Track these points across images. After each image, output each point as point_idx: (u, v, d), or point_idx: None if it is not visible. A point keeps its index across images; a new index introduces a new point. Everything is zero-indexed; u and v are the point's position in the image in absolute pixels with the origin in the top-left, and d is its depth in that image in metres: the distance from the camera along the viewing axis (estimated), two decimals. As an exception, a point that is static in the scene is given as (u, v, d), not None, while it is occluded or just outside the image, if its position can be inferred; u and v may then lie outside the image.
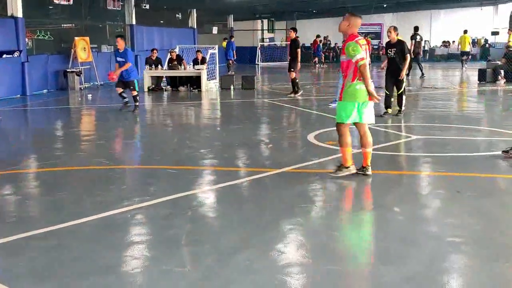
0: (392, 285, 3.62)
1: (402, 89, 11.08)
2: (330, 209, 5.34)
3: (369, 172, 6.27)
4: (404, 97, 11.27)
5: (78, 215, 5.09)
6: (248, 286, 3.64)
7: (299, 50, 15.19)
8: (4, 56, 16.21)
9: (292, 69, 15.11)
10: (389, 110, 11.09)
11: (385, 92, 11.07)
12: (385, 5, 34.53)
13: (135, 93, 12.52)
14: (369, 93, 6.03)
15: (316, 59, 32.44)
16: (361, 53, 5.98)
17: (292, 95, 15.23)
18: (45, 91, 18.06)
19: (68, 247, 4.37)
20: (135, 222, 5.02)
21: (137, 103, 12.59)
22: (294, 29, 15.92)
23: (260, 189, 6.09)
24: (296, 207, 5.32)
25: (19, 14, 16.93)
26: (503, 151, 7.29)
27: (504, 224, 4.95)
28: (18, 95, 16.70)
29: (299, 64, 15.08)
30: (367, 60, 6.19)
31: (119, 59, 12.44)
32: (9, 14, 16.85)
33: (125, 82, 12.52)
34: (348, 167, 6.21)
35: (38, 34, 19.74)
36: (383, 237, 4.59)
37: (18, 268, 3.98)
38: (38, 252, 4.28)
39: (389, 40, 11.21)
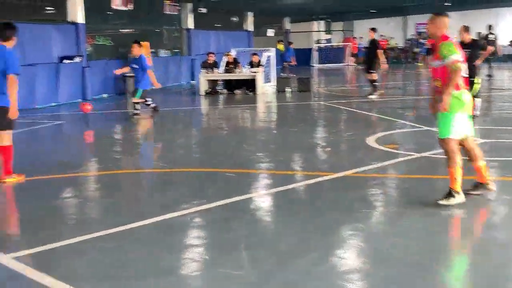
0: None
1: (477, 91, 10.38)
2: (391, 215, 5.25)
3: (492, 187, 5.54)
4: (478, 99, 10.35)
5: (138, 218, 5.21)
6: (308, 291, 3.63)
7: (379, 51, 15.12)
8: (65, 61, 16.81)
9: (373, 71, 15.15)
10: None
11: None
12: (448, 4, 33.68)
13: (135, 100, 12.57)
14: (444, 101, 5.15)
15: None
16: (458, 54, 5.19)
17: (372, 96, 15.21)
18: (104, 95, 18.61)
19: (128, 249, 4.48)
20: (193, 225, 5.10)
21: (137, 111, 12.63)
22: (374, 29, 15.84)
23: (318, 193, 6.06)
24: (356, 212, 5.26)
25: (80, 20, 17.55)
26: None
27: None
28: (79, 100, 17.27)
29: (382, 64, 15.12)
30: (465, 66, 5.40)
31: (133, 65, 12.58)
32: (70, 20, 17.51)
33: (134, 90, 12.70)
34: (459, 192, 5.28)
35: (98, 39, 20.41)
36: (448, 244, 4.47)
37: (81, 269, 4.12)
38: (99, 254, 4.41)
39: (461, 40, 10.15)
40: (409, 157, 7.57)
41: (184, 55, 24.73)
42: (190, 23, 24.88)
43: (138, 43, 12.86)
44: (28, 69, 15.35)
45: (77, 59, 17.20)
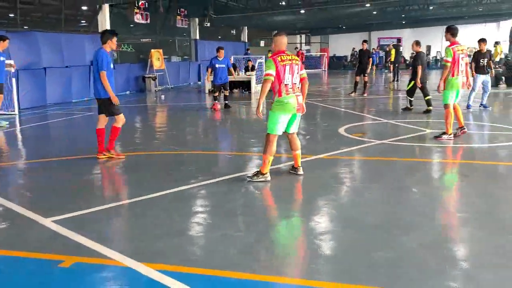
0: (409, 250, 3.56)
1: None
2: (357, 189, 5.27)
3: (301, 172, 5.70)
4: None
5: (156, 190, 5.20)
6: (291, 249, 3.65)
7: (370, 58, 15.61)
8: (96, 64, 16.67)
9: (366, 74, 15.33)
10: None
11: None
12: (403, 22, 33.70)
13: (227, 92, 12.88)
14: (257, 106, 5.32)
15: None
16: (271, 70, 5.22)
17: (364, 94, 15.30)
18: (127, 92, 18.52)
19: (149, 215, 4.47)
20: (200, 196, 5.09)
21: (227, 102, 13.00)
22: (366, 41, 16.22)
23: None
24: (329, 187, 5.28)
25: (108, 31, 17.37)
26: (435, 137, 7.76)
27: (505, 203, 4.77)
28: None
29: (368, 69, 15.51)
30: (289, 76, 5.28)
31: (219, 65, 12.48)
32: (99, 31, 17.31)
33: (223, 84, 12.71)
34: (265, 173, 5.46)
35: (122, 46, 20.24)
36: (402, 211, 4.49)
37: (109, 231, 4.12)
38: (125, 218, 4.41)
39: (479, 50, 11.63)
40: (371, 143, 7.59)
41: (192, 60, 24.59)
42: (197, 34, 24.71)
43: (222, 48, 12.90)
44: (66, 70, 15.25)
45: (105, 63, 17.05)
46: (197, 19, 24.32)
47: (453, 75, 7.50)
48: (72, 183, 5.64)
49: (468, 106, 11.39)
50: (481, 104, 11.69)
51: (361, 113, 11.22)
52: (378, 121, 10.04)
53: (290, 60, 5.34)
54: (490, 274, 3.15)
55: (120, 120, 6.94)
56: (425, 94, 11.16)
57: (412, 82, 11.36)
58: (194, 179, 5.63)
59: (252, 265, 3.33)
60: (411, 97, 11.52)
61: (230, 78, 13.18)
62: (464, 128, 7.88)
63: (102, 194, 5.32)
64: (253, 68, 18.45)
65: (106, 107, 6.80)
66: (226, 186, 5.37)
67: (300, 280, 3.11)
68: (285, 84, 5.30)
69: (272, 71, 5.27)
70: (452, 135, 7.69)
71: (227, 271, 3.24)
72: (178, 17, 22.04)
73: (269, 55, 24.86)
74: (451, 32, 7.61)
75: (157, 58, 19.89)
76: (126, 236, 3.95)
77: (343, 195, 5.09)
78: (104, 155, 6.82)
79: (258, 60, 19.64)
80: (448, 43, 7.70)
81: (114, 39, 6.69)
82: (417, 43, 11.57)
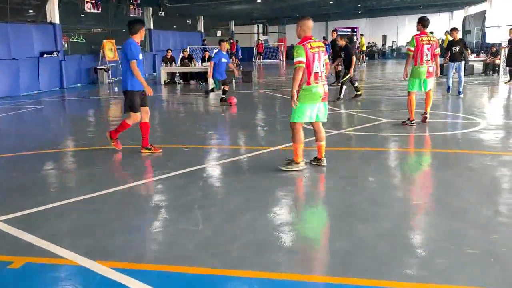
0: (365, 239, 3.65)
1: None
2: (315, 178, 5.35)
3: (324, 163, 5.67)
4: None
5: (111, 185, 5.10)
6: (250, 241, 3.66)
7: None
8: (45, 56, 16.12)
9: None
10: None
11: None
12: (360, 12, 34.30)
13: (227, 87, 12.19)
14: (292, 97, 5.14)
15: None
16: (301, 57, 5.07)
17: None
18: (79, 84, 18.00)
19: (103, 211, 4.38)
20: (156, 191, 5.03)
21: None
22: (335, 31, 16.59)
23: (258, 163, 6.08)
24: (288, 178, 5.33)
25: (57, 21, 16.81)
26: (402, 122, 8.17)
27: (459, 190, 4.96)
28: (57, 88, 16.65)
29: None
30: (317, 64, 5.20)
31: (225, 59, 11.95)
32: (48, 21, 16.73)
33: (224, 80, 12.10)
34: (299, 163, 5.48)
35: (73, 37, 19.64)
36: (359, 201, 4.59)
37: (62, 228, 3.99)
38: (79, 215, 4.29)
39: (453, 39, 12.56)
40: (329, 133, 7.68)
41: (147, 51, 24.12)
42: (151, 24, 24.23)
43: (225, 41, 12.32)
44: (13, 62, 14.65)
45: (54, 54, 16.52)
46: (150, 8, 23.82)
47: (415, 64, 7.86)
48: (21, 181, 5.44)
49: (448, 89, 12.46)
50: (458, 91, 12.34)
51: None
52: (336, 111, 10.20)
53: (318, 47, 5.21)
54: (443, 259, 3.28)
55: (134, 118, 6.63)
56: (343, 82, 11.96)
57: (350, 73, 12.09)
58: (150, 173, 5.55)
59: (211, 260, 3.32)
60: (346, 85, 12.04)
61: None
62: (426, 114, 8.23)
63: (53, 191, 5.15)
64: (209, 59, 18.27)
65: (126, 100, 6.55)
66: (183, 179, 5.31)
67: (260, 273, 3.14)
68: (315, 73, 5.18)
69: (303, 58, 5.07)
70: (413, 122, 8.05)
71: (184, 267, 3.22)
72: (131, 6, 21.53)
73: (226, 45, 24.61)
74: (422, 23, 7.96)
75: (109, 49, 19.37)
76: (79, 234, 3.85)
77: (301, 185, 5.14)
78: (149, 149, 6.66)
79: (215, 51, 19.51)
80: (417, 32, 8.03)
81: (144, 29, 6.57)
82: (341, 37, 12.67)
